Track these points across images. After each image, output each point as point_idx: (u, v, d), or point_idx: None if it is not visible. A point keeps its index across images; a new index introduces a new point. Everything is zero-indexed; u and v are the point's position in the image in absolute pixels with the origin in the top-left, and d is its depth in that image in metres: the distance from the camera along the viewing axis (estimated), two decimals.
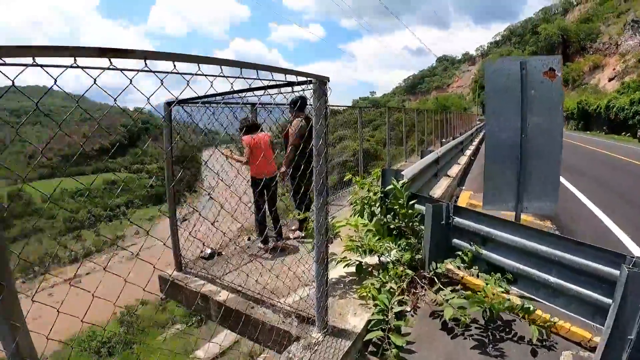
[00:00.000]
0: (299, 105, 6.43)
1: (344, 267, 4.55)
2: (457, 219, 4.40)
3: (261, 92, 3.33)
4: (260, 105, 6.94)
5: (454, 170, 11.84)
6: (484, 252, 4.18)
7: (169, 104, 5.33)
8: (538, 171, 4.58)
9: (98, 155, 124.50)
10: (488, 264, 4.16)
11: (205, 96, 4.23)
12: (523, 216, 4.95)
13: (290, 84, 3.01)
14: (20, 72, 1.51)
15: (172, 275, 5.44)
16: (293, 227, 6.92)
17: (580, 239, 3.45)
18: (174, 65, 2.07)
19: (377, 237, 4.59)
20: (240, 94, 3.53)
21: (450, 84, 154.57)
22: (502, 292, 3.85)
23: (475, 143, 24.64)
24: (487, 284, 3.92)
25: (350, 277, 4.69)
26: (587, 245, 3.40)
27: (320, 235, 3.27)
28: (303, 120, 6.23)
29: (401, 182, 4.76)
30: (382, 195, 5.02)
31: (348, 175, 5.76)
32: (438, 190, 8.81)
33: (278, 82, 2.89)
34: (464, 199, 9.66)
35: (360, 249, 4.45)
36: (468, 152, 18.00)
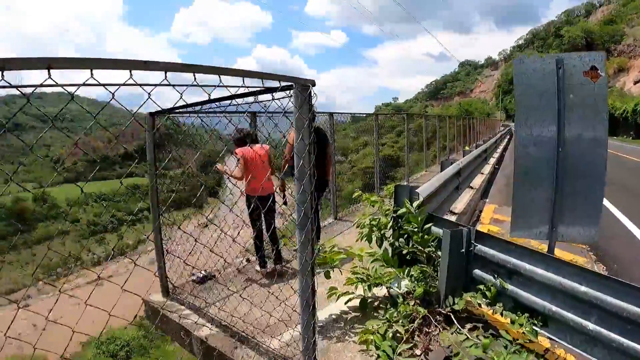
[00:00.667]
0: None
1: (345, 302, 3.89)
2: (479, 247, 3.68)
3: (242, 99, 2.88)
4: (265, 114, 6.50)
5: (477, 181, 11.07)
6: (510, 287, 3.41)
7: (152, 114, 5.03)
8: (577, 192, 3.74)
9: (122, 160, 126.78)
10: (514, 302, 3.40)
11: (193, 104, 3.74)
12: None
13: (269, 90, 2.41)
14: (35, 87, 1.57)
15: (157, 300, 4.95)
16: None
17: (619, 265, 2.74)
18: (131, 75, 1.83)
19: (386, 267, 3.95)
20: (234, 101, 3.00)
21: (473, 89, 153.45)
22: (530, 334, 3.16)
23: (499, 150, 23.74)
24: (512, 323, 3.30)
25: (353, 314, 4.03)
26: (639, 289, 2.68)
27: (304, 278, 2.64)
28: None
29: (416, 203, 4.10)
30: (395, 216, 4.33)
31: (357, 193, 5.01)
32: (459, 204, 8.09)
33: (253, 89, 2.37)
34: (488, 213, 8.94)
35: (364, 283, 3.80)
36: (492, 161, 17.17)
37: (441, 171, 7.28)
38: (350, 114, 9.42)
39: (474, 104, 67.31)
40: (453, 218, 7.12)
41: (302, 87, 2.48)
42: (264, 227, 5.70)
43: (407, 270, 3.93)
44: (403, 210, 4.09)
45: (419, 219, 3.96)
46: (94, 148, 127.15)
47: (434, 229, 4.15)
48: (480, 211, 9.07)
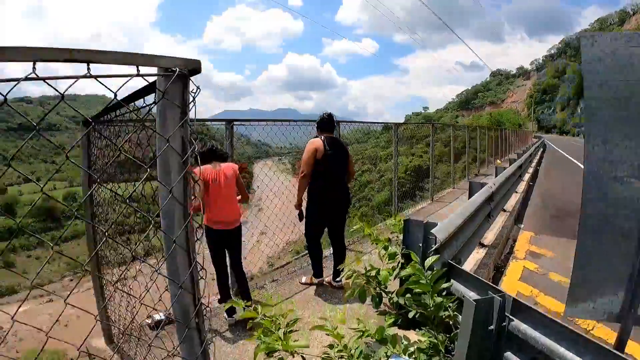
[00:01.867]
0: (320, 123, 5.55)
1: None
2: (515, 323, 2.42)
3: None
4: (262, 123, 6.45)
5: (511, 202, 9.80)
6: None
7: (86, 123, 4.45)
8: None
9: (152, 162, 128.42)
10: None
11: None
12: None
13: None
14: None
15: (97, 348, 4.40)
16: (304, 280, 5.92)
17: None
18: None
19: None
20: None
21: (505, 99, 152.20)
22: None
23: (533, 164, 22.28)
24: None
25: None
26: None
27: None
28: (324, 141, 5.32)
29: (431, 259, 2.89)
30: (403, 262, 3.10)
31: (357, 225, 3.55)
32: (490, 233, 6.91)
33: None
34: (523, 243, 7.66)
35: None
36: (526, 176, 15.74)
37: (470, 196, 6.06)
38: (363, 123, 8.26)
39: (505, 115, 65.61)
40: (482, 252, 6.05)
41: (179, 75, 1.50)
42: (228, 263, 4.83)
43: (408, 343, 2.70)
44: (407, 271, 2.82)
45: (434, 273, 2.74)
46: (124, 150, 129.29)
47: (455, 286, 2.96)
48: (514, 240, 7.76)
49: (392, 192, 9.63)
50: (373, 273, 3.03)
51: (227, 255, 4.80)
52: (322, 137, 5.33)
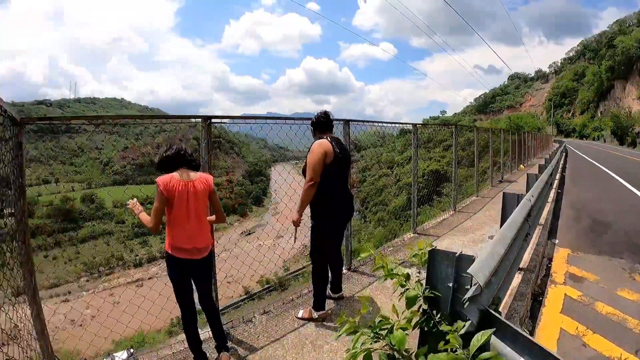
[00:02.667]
0: (317, 123, 4.88)
1: None
2: None
3: None
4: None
5: (543, 213, 9.21)
6: None
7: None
8: None
9: None
10: None
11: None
12: None
13: None
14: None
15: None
16: (301, 314, 4.81)
17: None
18: None
19: None
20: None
21: (523, 102, 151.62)
22: None
23: (559, 169, 21.68)
24: None
25: None
26: None
27: None
28: (331, 142, 4.59)
29: (479, 339, 1.95)
30: (426, 308, 2.30)
31: (366, 252, 2.75)
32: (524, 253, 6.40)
33: None
34: (560, 263, 6.80)
35: None
36: (555, 183, 15.16)
37: (503, 209, 5.61)
38: (376, 123, 7.07)
39: (524, 119, 64.82)
40: (517, 277, 5.35)
41: None
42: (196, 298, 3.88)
43: None
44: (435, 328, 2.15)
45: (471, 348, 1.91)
46: (143, 153, 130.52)
47: (495, 344, 2.07)
48: (550, 260, 6.92)
49: (412, 198, 8.75)
50: (383, 332, 2.15)
51: (194, 288, 3.84)
52: (328, 137, 4.63)
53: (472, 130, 15.15)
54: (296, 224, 4.60)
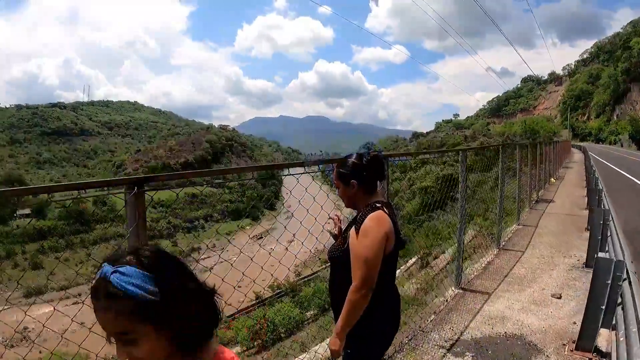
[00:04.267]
0: (365, 173, 2.70)
1: None
2: None
3: None
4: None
5: None
6: None
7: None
8: None
9: (183, 168, 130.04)
10: None
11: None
12: None
13: None
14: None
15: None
16: None
17: None
18: None
19: None
20: None
21: (536, 105, 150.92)
22: None
23: None
24: None
25: None
26: None
27: None
28: (389, 217, 2.59)
29: None
30: None
31: None
32: None
33: None
34: None
35: None
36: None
37: (594, 278, 4.44)
38: (419, 154, 5.41)
39: (540, 123, 63.71)
40: None
41: None
42: None
43: None
44: None
45: None
46: (156, 156, 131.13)
47: None
48: None
49: (459, 246, 6.95)
50: None
51: None
52: (382, 205, 2.60)
53: (514, 147, 13.19)
54: (336, 355, 2.63)
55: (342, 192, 2.81)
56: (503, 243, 9.74)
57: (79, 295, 57.02)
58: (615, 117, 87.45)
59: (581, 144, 70.22)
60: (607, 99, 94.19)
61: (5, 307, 56.35)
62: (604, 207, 8.11)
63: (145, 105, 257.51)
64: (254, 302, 41.83)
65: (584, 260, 7.74)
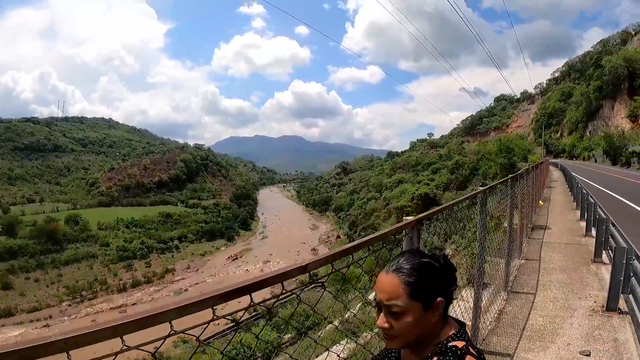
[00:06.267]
0: (444, 276, 1.67)
1: None
2: None
3: None
4: None
5: None
6: None
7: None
8: None
9: (157, 187, 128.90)
10: None
11: None
12: None
13: None
14: None
15: None
16: None
17: None
18: None
19: None
20: None
21: (509, 124, 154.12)
22: None
23: None
24: None
25: None
26: None
27: None
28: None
29: None
30: None
31: None
32: None
33: None
34: None
35: None
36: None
37: None
38: (445, 207, 4.61)
39: (514, 141, 64.35)
40: None
41: None
42: None
43: None
44: None
45: None
46: (130, 174, 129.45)
47: None
48: None
49: (476, 299, 5.89)
50: None
51: None
52: (467, 344, 1.56)
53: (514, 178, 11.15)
54: None
55: (414, 322, 1.59)
56: (510, 285, 8.71)
57: (50, 317, 55.63)
58: (588, 134, 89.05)
59: (556, 160, 71.28)
60: (579, 116, 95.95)
61: None
62: (622, 243, 7.57)
63: (121, 122, 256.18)
64: (229, 324, 41.03)
65: (602, 303, 7.18)
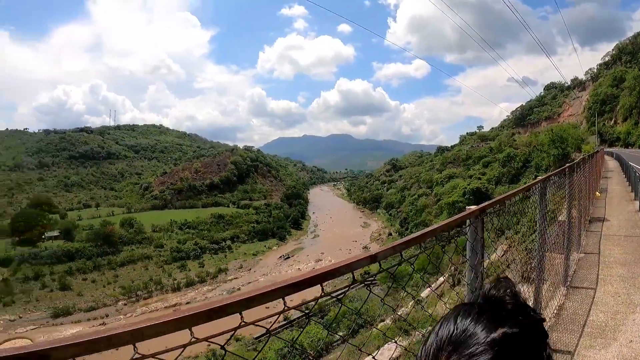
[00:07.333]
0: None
1: None
2: None
3: None
4: None
5: None
6: None
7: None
8: None
9: (208, 190, 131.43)
10: None
11: None
12: None
13: None
14: None
15: None
16: None
17: None
18: None
19: None
20: None
21: (561, 113, 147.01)
22: None
23: None
24: None
25: None
26: None
27: None
28: None
29: None
30: None
31: None
32: None
33: None
34: None
35: None
36: None
37: None
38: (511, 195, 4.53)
39: (566, 130, 61.71)
40: None
41: None
42: None
43: None
44: None
45: None
46: (182, 178, 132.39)
47: None
48: None
49: (536, 283, 5.92)
50: None
51: None
52: None
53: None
54: None
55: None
56: (569, 280, 8.35)
57: (106, 315, 57.64)
58: None
59: (610, 149, 68.05)
60: (633, 102, 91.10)
61: (33, 327, 57.12)
62: None
63: (171, 128, 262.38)
64: (282, 322, 41.37)
65: None
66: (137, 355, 1.21)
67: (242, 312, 1.39)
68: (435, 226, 2.49)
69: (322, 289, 1.69)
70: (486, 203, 3.21)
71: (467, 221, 2.97)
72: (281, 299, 1.48)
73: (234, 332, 1.41)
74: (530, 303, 4.99)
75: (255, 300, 1.40)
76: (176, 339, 1.18)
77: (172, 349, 1.33)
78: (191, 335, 1.28)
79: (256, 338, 38.84)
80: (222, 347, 1.43)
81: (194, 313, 1.27)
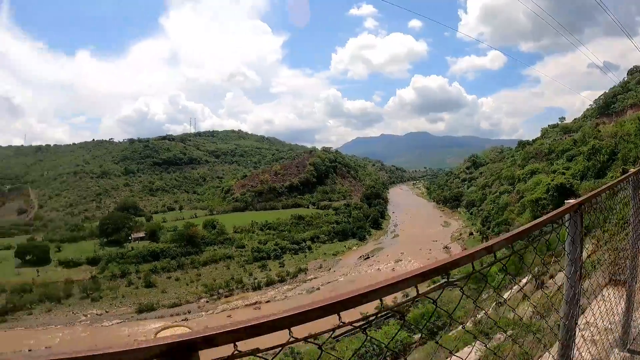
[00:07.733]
0: None
1: None
2: None
3: None
4: None
5: None
6: None
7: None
8: None
9: (288, 191, 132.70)
10: None
11: None
12: None
13: None
14: None
15: None
16: None
17: None
18: None
19: None
20: None
21: None
22: None
23: None
24: None
25: None
26: None
27: None
28: None
29: None
30: None
31: None
32: None
33: None
34: None
35: None
36: None
37: None
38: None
39: None
40: None
41: None
42: None
43: None
44: None
45: None
46: (262, 180, 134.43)
47: None
48: None
49: (629, 274, 4.99)
50: None
51: None
52: None
53: None
54: None
55: None
56: None
57: (189, 312, 58.66)
58: None
59: None
60: None
61: (118, 321, 58.98)
62: None
63: (249, 133, 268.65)
64: (360, 322, 39.91)
65: None
66: (291, 339, 1.35)
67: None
68: (538, 220, 2.53)
69: (448, 278, 1.80)
70: (585, 197, 3.20)
71: (567, 215, 2.98)
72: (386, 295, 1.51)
73: (334, 331, 1.51)
74: (621, 306, 4.84)
75: (382, 291, 1.50)
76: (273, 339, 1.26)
77: (270, 349, 1.37)
78: (290, 334, 1.35)
79: (334, 337, 37.62)
80: (320, 347, 1.53)
81: (342, 300, 1.38)
